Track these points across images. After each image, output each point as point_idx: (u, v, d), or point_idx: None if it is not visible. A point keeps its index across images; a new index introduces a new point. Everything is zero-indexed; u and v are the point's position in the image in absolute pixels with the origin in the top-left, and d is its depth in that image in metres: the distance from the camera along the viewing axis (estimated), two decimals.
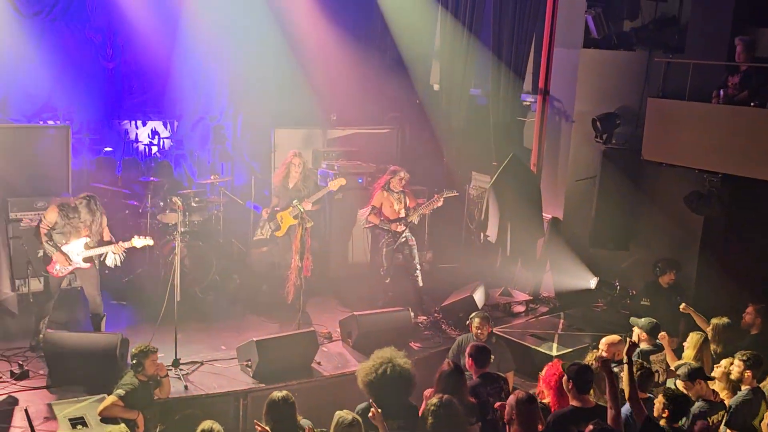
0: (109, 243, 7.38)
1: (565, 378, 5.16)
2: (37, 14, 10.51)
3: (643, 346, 6.57)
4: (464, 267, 10.27)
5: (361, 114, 11.90)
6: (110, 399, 5.83)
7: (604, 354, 6.03)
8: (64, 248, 7.23)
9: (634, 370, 5.45)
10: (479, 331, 6.83)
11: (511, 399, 4.92)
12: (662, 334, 6.66)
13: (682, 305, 7.30)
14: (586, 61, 9.45)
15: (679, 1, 8.91)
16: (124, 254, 7.44)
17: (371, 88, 11.91)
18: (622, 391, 5.15)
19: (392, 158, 11.18)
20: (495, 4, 10.05)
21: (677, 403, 5.15)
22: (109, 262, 7.43)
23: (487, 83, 10.50)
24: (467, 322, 7.07)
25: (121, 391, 5.86)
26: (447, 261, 10.47)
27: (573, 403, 5.09)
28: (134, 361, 6.07)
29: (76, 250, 7.28)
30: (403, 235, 8.95)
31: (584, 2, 9.27)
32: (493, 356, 6.25)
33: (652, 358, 6.48)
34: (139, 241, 7.45)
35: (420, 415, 5.13)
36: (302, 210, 8.08)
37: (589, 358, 5.90)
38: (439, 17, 10.93)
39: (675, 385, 5.83)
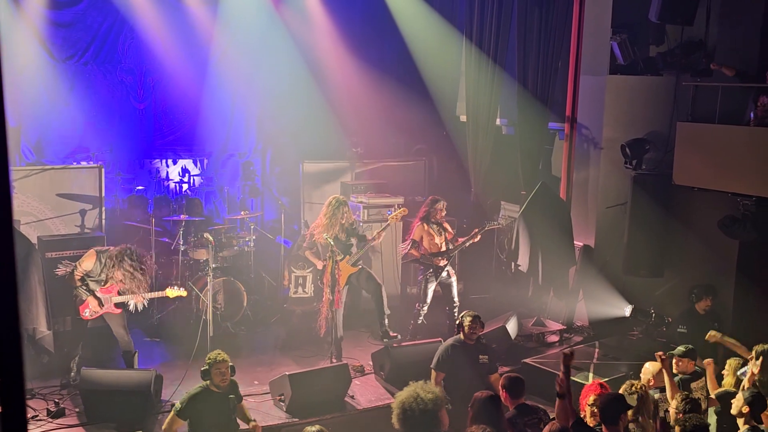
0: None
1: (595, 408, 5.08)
2: (70, 58, 10.81)
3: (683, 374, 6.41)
4: (496, 297, 10.19)
5: (388, 147, 11.97)
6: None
7: (651, 382, 5.93)
8: (97, 293, 7.31)
9: (684, 404, 5.25)
10: (471, 331, 6.86)
11: (546, 429, 4.85)
12: (708, 360, 6.48)
13: (709, 333, 6.89)
14: (612, 88, 9.42)
15: (705, 25, 8.88)
16: (146, 303, 7.52)
17: (398, 121, 11.99)
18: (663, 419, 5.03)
19: (421, 190, 11.20)
20: (519, 34, 10.09)
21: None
22: (131, 308, 7.46)
23: (513, 113, 10.50)
24: (457, 322, 7.14)
25: (178, 405, 5.88)
26: (478, 291, 10.40)
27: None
28: (203, 369, 6.00)
29: (109, 295, 7.35)
30: (445, 269, 8.78)
31: (609, 29, 9.26)
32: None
33: (693, 385, 6.32)
34: (172, 292, 7.50)
35: None
36: (332, 243, 8.07)
37: (624, 388, 5.75)
38: (464, 49, 10.99)
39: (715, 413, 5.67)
